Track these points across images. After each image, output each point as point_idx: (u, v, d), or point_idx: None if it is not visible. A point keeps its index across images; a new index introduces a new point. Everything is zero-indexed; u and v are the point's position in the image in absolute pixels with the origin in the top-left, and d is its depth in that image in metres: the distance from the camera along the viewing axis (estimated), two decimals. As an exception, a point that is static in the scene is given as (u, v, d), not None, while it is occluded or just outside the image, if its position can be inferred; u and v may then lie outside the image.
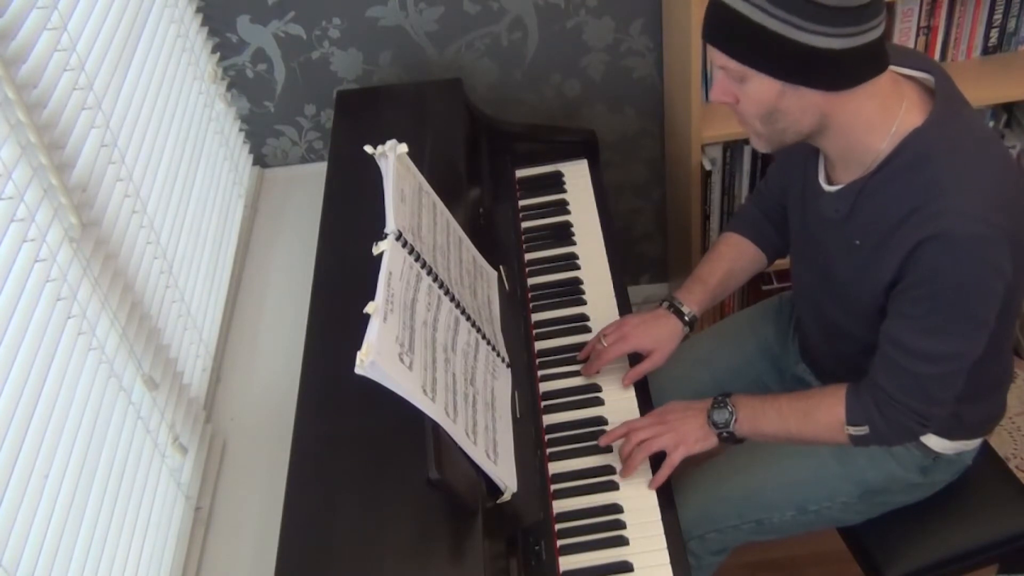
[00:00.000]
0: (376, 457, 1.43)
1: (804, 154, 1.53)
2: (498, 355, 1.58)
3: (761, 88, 1.34)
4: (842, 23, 1.25)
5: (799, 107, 1.35)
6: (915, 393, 1.43)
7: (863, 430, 1.49)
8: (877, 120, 1.37)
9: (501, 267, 1.76)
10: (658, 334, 1.71)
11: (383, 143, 1.48)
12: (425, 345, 1.33)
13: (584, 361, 1.75)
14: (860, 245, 1.43)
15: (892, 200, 1.37)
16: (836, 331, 1.60)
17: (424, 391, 1.27)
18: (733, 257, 1.78)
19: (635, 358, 1.74)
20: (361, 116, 2.11)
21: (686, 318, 1.72)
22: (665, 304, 1.74)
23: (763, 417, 1.56)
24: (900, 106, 1.37)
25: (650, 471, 1.58)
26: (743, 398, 1.58)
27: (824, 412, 1.52)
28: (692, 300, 1.73)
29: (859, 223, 1.43)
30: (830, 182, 1.48)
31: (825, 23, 1.25)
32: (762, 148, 1.46)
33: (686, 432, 1.57)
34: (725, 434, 1.57)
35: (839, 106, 1.35)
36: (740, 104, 1.39)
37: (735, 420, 1.56)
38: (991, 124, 2.21)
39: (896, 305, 1.41)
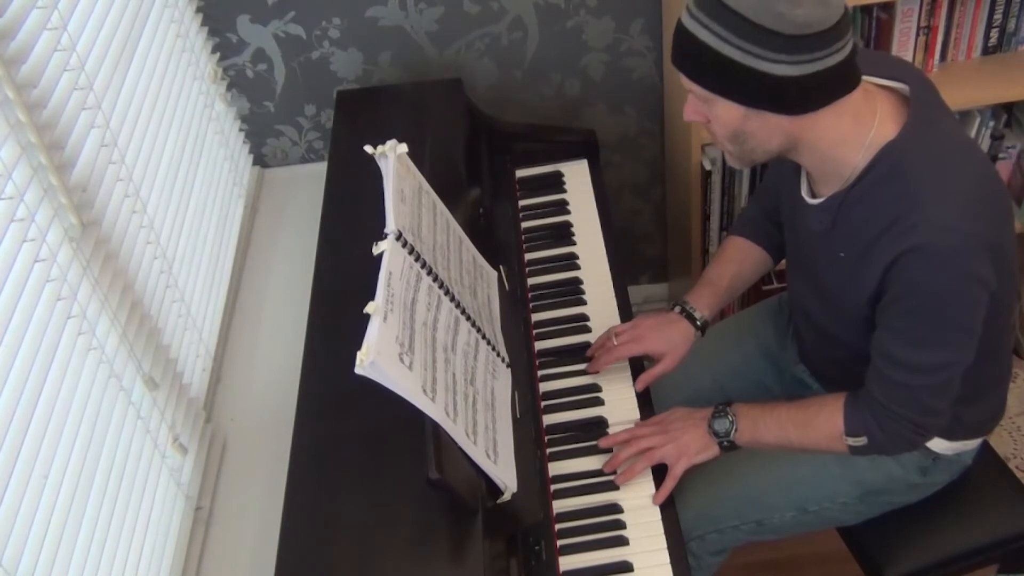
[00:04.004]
0: (376, 457, 1.43)
1: (793, 166, 1.54)
2: (498, 355, 1.57)
3: (726, 112, 1.35)
4: (803, 50, 1.25)
5: (765, 129, 1.36)
6: (910, 405, 1.44)
7: (861, 441, 1.49)
8: (849, 134, 1.37)
9: (501, 267, 1.76)
10: (671, 337, 1.71)
11: (383, 143, 1.48)
12: (425, 345, 1.33)
13: (591, 357, 1.75)
14: (844, 257, 1.44)
15: (871, 212, 1.37)
16: (828, 338, 1.61)
17: (424, 391, 1.27)
18: (740, 260, 1.79)
19: (635, 359, 1.74)
20: (361, 116, 2.11)
21: (698, 322, 1.72)
22: (677, 308, 1.74)
23: (763, 427, 1.56)
24: (873, 119, 1.37)
25: (651, 475, 1.58)
26: (744, 407, 1.58)
27: (823, 422, 1.52)
28: (703, 304, 1.73)
29: (842, 235, 1.44)
30: (813, 195, 1.49)
31: (785, 51, 1.25)
32: (735, 165, 1.48)
33: (688, 443, 1.57)
34: (726, 443, 1.58)
35: (807, 127, 1.35)
36: (710, 124, 1.40)
37: (736, 429, 1.57)
38: (991, 124, 2.21)
39: (883, 319, 1.42)
